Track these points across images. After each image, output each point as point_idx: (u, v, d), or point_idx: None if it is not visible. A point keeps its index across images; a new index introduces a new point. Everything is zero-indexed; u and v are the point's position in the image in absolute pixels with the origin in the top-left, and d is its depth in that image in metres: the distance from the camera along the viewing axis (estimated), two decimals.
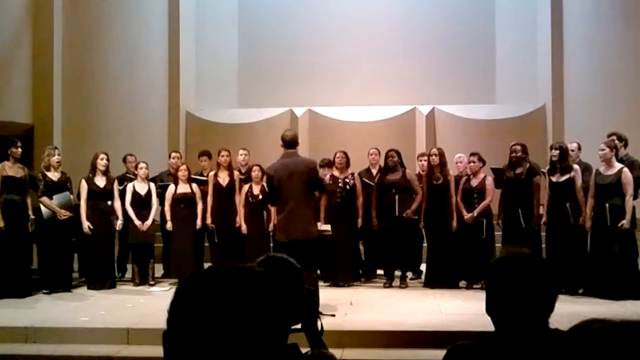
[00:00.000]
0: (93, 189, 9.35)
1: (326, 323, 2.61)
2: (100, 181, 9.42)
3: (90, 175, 9.45)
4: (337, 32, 14.42)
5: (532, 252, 2.09)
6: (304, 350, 2.06)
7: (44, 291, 8.95)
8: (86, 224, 9.22)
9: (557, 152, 8.70)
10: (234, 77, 14.88)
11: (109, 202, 9.44)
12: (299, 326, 2.45)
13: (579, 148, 9.42)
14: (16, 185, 8.84)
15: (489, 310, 2.03)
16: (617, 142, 8.74)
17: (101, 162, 9.41)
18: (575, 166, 8.72)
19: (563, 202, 8.54)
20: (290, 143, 7.48)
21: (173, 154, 10.71)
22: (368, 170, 9.93)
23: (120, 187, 9.66)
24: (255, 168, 9.61)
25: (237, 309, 1.28)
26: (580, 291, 8.40)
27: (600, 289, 8.21)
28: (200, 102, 14.58)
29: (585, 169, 8.91)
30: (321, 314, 2.58)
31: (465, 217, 9.05)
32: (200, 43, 14.74)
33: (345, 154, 9.64)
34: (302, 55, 14.42)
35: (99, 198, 9.38)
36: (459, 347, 2.06)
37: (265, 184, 9.46)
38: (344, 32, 14.40)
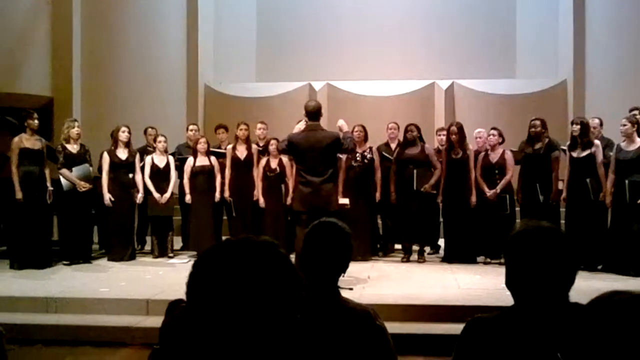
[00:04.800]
0: (115, 162, 9.41)
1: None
2: (122, 154, 9.47)
3: (112, 147, 9.50)
4: (356, 6, 14.32)
5: (552, 225, 2.07)
6: None
7: (65, 262, 9.05)
8: (107, 196, 9.28)
9: (578, 127, 8.63)
10: (253, 51, 14.84)
11: (130, 175, 9.51)
12: None
13: (601, 124, 9.33)
14: (34, 156, 8.91)
15: (509, 283, 2.02)
16: (638, 117, 8.65)
17: (123, 135, 9.46)
18: (596, 141, 8.65)
19: (583, 177, 8.49)
20: (313, 114, 7.48)
21: (191, 127, 10.73)
22: (387, 145, 9.91)
23: (141, 163, 9.69)
24: (272, 142, 9.59)
25: (253, 280, 1.30)
26: (600, 267, 8.38)
27: (620, 265, 8.18)
28: (219, 76, 14.56)
29: (607, 144, 8.84)
30: (340, 287, 2.64)
31: (488, 194, 9.01)
32: (218, 17, 14.69)
33: (364, 127, 9.62)
34: (321, 29, 14.34)
35: (121, 170, 9.44)
36: (478, 320, 2.06)
37: (282, 158, 9.46)
38: (363, 6, 14.29)
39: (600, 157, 8.54)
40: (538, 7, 14.01)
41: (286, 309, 1.32)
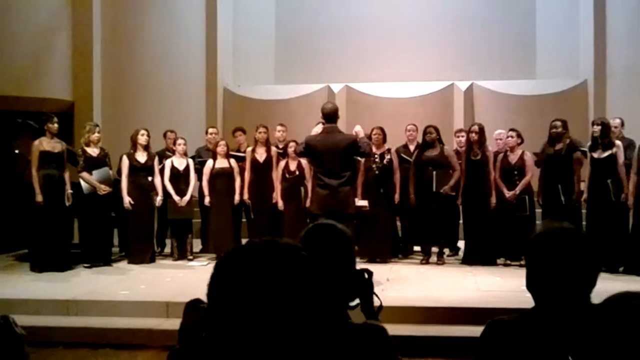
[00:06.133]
0: (134, 165, 9.46)
1: None
2: (141, 157, 9.52)
3: (132, 150, 9.56)
4: (375, 8, 14.30)
5: (574, 226, 2.05)
6: None
7: (85, 265, 9.11)
8: (127, 199, 9.33)
9: (599, 128, 8.56)
10: (271, 53, 14.86)
11: (149, 178, 9.55)
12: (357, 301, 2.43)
13: (622, 124, 9.26)
14: (53, 159, 8.98)
15: (529, 285, 2.00)
16: None
17: (142, 138, 9.52)
18: (618, 142, 8.58)
19: (604, 178, 8.42)
20: (329, 116, 7.44)
21: (210, 130, 10.78)
22: (405, 147, 9.88)
23: (160, 166, 9.73)
24: (291, 144, 9.59)
25: (276, 283, 1.29)
26: (621, 269, 8.30)
27: None
28: (238, 79, 14.60)
29: (629, 145, 8.76)
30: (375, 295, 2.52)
31: (507, 196, 8.97)
32: (237, 20, 14.74)
33: (382, 129, 9.59)
34: (340, 31, 14.33)
35: (140, 173, 9.49)
36: (498, 322, 2.04)
37: (301, 160, 9.45)
38: (381, 8, 14.27)
39: (621, 158, 8.47)
40: (558, 7, 13.91)
41: (308, 312, 1.32)
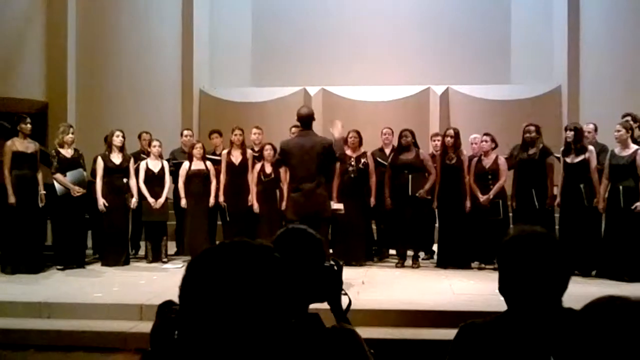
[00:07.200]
0: (109, 166, 9.39)
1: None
2: (117, 158, 9.46)
3: (106, 152, 9.49)
4: (352, 11, 14.35)
5: (545, 230, 2.07)
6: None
7: (58, 267, 9.02)
8: (101, 201, 9.26)
9: (572, 133, 8.65)
10: (248, 55, 14.85)
11: (124, 180, 9.48)
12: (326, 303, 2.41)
13: (595, 129, 9.37)
14: (26, 160, 8.88)
15: (502, 289, 2.01)
16: (632, 122, 8.68)
17: (117, 139, 9.45)
18: (590, 147, 8.67)
19: (577, 183, 8.51)
20: (305, 120, 7.44)
21: (185, 132, 10.73)
22: (381, 150, 9.91)
23: (135, 166, 9.67)
24: (267, 147, 9.60)
25: (248, 284, 1.29)
26: (593, 273, 8.39)
27: (614, 270, 8.19)
28: (214, 81, 14.58)
29: (602, 150, 8.86)
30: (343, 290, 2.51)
31: (481, 200, 9.02)
32: (214, 22, 14.71)
33: (358, 133, 9.61)
34: (316, 34, 14.36)
35: (115, 175, 9.42)
36: (471, 325, 2.05)
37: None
38: (358, 11, 14.32)
39: (594, 162, 8.56)
40: (532, 13, 14.05)
41: (280, 313, 1.32)
